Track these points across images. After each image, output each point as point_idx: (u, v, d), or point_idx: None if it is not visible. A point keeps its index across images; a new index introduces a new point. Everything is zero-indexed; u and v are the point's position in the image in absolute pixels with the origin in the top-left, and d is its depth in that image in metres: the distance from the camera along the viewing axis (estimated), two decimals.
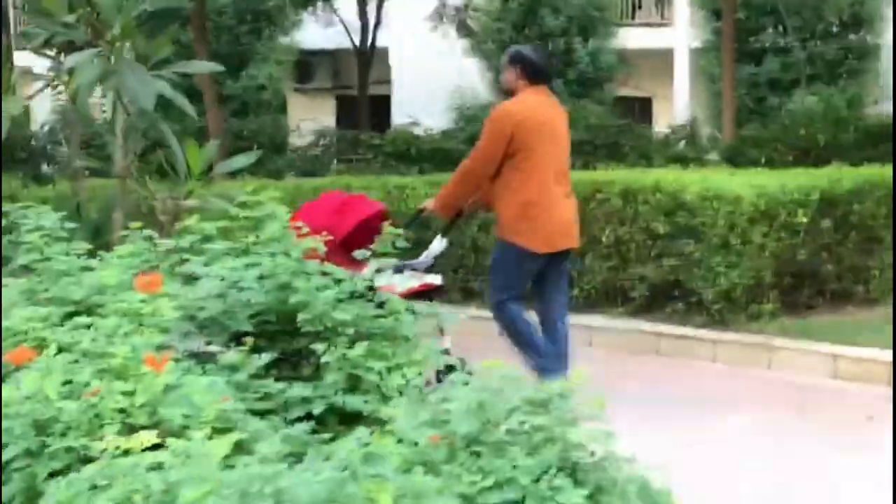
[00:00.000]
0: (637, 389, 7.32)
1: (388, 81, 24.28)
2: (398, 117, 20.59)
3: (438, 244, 6.26)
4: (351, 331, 3.98)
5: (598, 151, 14.32)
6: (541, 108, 6.32)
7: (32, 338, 3.77)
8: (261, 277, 4.09)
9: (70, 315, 3.92)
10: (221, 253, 4.23)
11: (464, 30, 19.57)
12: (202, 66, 5.80)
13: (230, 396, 3.15)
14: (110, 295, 3.87)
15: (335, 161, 17.73)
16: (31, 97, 5.34)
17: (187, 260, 4.17)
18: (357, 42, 20.67)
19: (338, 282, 4.25)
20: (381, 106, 23.04)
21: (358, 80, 20.99)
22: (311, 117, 21.06)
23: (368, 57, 20.79)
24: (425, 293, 5.87)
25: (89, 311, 3.88)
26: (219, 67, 5.27)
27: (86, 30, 4.97)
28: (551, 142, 6.32)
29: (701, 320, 8.79)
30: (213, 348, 3.80)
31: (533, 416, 2.67)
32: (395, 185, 10.80)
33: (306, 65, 24.05)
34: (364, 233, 5.50)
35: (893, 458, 5.16)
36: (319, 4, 21.14)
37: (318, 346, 3.89)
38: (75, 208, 5.65)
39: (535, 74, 6.41)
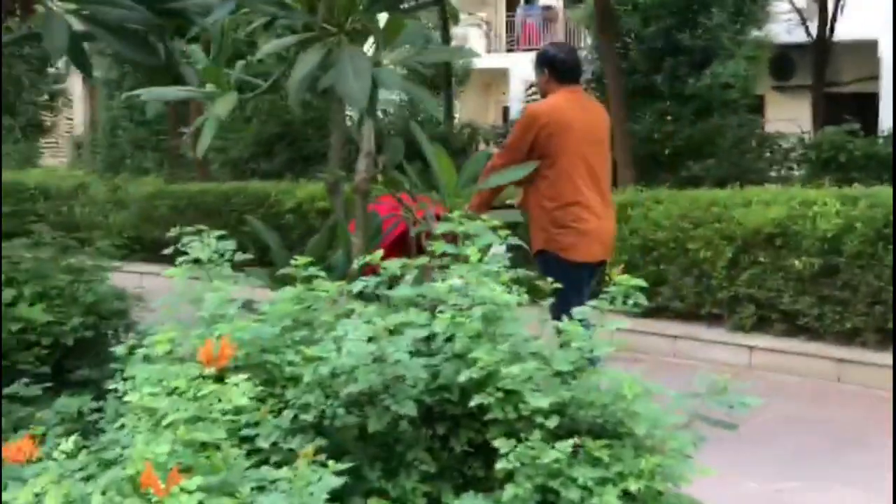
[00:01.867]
0: None
1: (876, 77, 22.14)
2: (887, 118, 18.48)
3: (496, 249, 5.42)
4: (554, 421, 2.92)
5: None
6: (571, 111, 5.96)
7: (142, 408, 3.03)
8: (448, 340, 3.13)
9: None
10: (407, 302, 3.30)
11: None
12: (449, 53, 4.89)
13: None
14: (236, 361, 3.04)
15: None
16: (252, 96, 4.68)
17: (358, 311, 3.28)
18: (815, 32, 18.68)
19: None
20: (868, 105, 20.97)
21: (813, 76, 19.04)
22: (789, 118, 19.42)
23: (825, 49, 18.73)
24: None
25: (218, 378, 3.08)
26: (475, 54, 4.38)
27: (310, 12, 4.21)
28: (585, 144, 5.95)
29: None
30: None
31: None
32: (801, 201, 9.36)
33: (785, 60, 22.30)
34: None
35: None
36: None
37: (502, 443, 2.89)
38: (330, 230, 4.92)
39: (565, 75, 6.13)
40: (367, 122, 4.69)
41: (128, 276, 8.48)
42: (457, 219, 3.50)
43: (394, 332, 3.00)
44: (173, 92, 4.53)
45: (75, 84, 25.22)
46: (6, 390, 4.33)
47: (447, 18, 15.29)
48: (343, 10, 4.12)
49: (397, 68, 4.24)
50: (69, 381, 5.03)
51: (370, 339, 2.97)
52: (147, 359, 3.28)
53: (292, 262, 3.43)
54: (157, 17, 5.66)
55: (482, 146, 16.09)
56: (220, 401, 2.48)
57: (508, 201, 6.43)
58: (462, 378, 2.90)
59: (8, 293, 5.09)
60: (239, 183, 15.68)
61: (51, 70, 21.13)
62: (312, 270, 3.41)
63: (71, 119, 25.90)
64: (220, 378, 2.94)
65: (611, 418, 3.02)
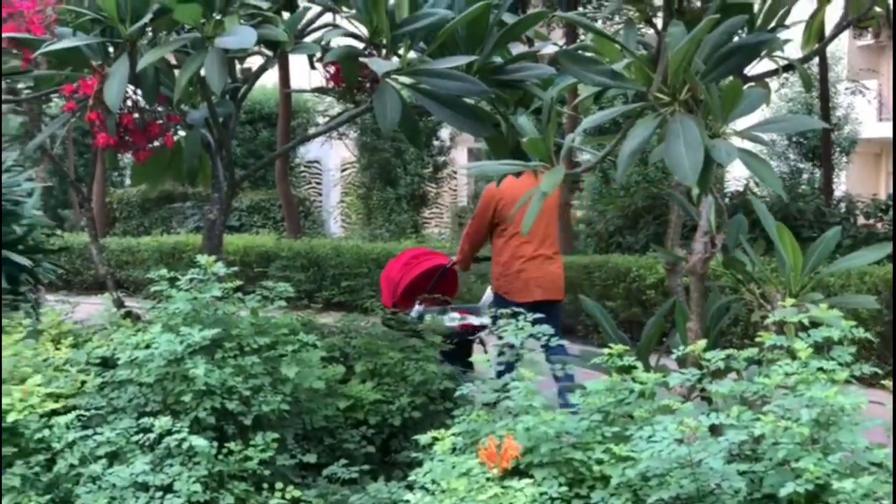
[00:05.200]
0: None
1: None
2: None
3: (489, 293, 7.89)
4: None
5: None
6: (521, 188, 6.81)
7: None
8: (774, 444, 2.87)
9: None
10: (728, 398, 3.06)
11: None
12: (806, 122, 4.55)
13: None
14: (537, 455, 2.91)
15: None
16: (582, 170, 4.52)
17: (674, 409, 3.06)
18: None
19: None
20: None
21: None
22: None
23: None
24: (469, 332, 7.72)
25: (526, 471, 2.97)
26: (822, 124, 4.07)
27: (644, 81, 4.07)
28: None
29: None
30: None
31: None
32: None
33: None
34: (423, 281, 7.94)
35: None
36: None
37: None
38: (667, 313, 4.74)
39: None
40: (705, 199, 4.49)
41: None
42: (791, 305, 3.23)
43: (712, 432, 2.78)
44: (494, 166, 4.50)
45: (460, 156, 25.99)
46: (326, 470, 4.39)
47: (826, 87, 14.70)
48: (678, 78, 3.94)
49: (736, 140, 4.00)
50: (395, 462, 5.07)
51: (682, 441, 2.76)
52: (454, 450, 3.21)
53: (607, 349, 3.28)
54: (496, 89, 5.71)
55: (860, 220, 15.28)
56: None
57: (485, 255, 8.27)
58: (786, 490, 2.63)
59: (339, 369, 5.21)
60: (601, 256, 15.55)
61: (435, 143, 22.03)
62: (628, 360, 3.24)
63: (455, 190, 26.72)
64: (522, 473, 2.83)
65: None
